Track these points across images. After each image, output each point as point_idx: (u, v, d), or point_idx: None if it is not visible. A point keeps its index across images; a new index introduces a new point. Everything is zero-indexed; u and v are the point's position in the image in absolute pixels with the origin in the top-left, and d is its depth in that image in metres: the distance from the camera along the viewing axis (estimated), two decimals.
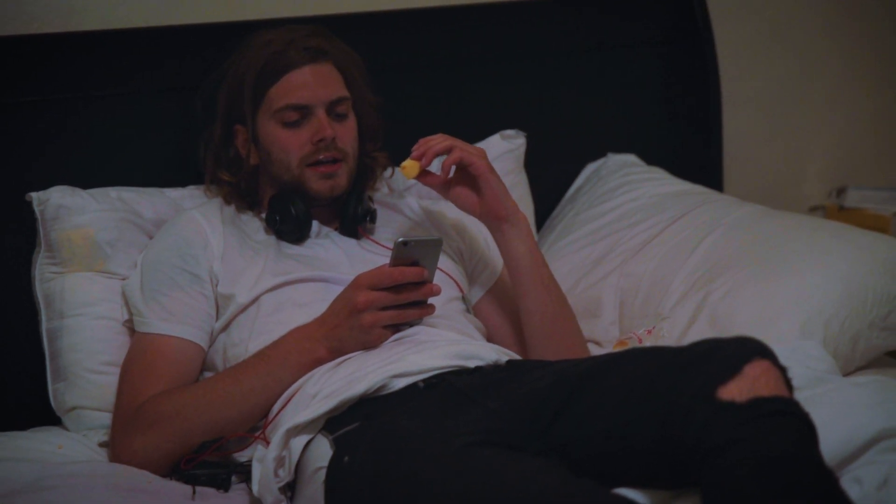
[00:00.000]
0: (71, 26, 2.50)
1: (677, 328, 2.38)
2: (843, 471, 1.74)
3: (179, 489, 2.04)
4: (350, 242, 2.33)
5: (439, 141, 2.21)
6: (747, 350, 1.68)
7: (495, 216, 2.25)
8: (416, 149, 2.21)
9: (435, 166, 2.25)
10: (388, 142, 2.43)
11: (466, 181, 2.25)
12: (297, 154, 2.28)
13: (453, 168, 2.26)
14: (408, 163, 2.20)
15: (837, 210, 3.32)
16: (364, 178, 2.41)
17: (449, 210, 2.50)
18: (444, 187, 2.26)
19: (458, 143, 2.22)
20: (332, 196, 2.30)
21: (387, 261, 2.07)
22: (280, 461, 1.96)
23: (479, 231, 2.46)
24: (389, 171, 2.47)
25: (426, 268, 2.06)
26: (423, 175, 2.24)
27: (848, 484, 1.71)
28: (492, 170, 2.23)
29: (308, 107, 2.28)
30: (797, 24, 3.34)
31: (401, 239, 2.02)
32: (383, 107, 2.42)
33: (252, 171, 2.36)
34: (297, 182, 2.29)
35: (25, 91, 2.41)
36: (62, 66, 2.45)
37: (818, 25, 3.36)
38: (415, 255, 2.05)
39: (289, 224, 2.29)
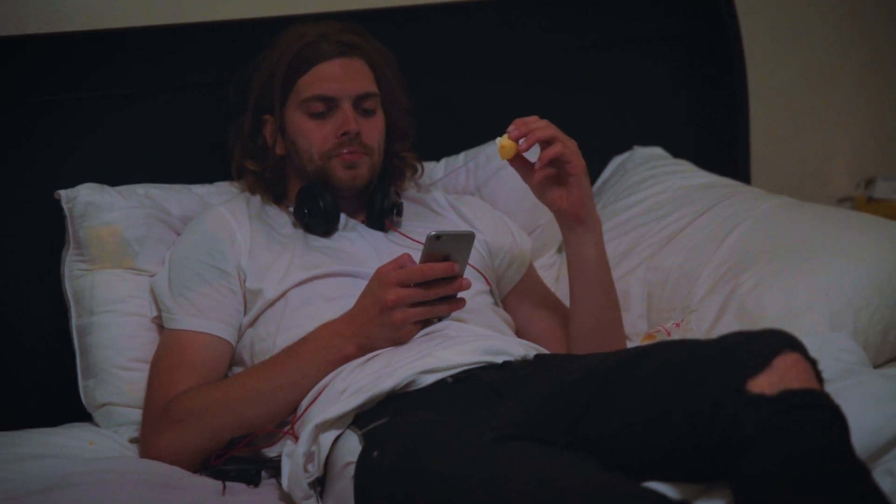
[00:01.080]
0: (100, 24, 2.51)
1: (705, 321, 2.37)
2: (875, 463, 1.73)
3: (210, 484, 2.05)
4: (377, 235, 2.33)
5: (543, 127, 2.13)
6: (777, 342, 1.67)
7: (575, 216, 2.19)
8: (516, 129, 2.13)
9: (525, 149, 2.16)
10: (417, 134, 2.44)
11: (556, 174, 2.18)
12: (320, 147, 2.29)
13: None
14: (506, 142, 2.12)
15: (866, 201, 3.31)
16: (391, 176, 2.41)
17: (476, 203, 2.50)
18: (530, 173, 2.19)
19: (561, 134, 2.14)
20: (354, 186, 2.30)
21: (415, 252, 2.06)
22: (309, 456, 1.97)
23: (506, 225, 2.46)
24: (418, 170, 2.46)
25: (457, 262, 2.05)
26: (516, 158, 2.17)
27: (881, 476, 1.69)
28: (585, 171, 2.17)
29: (335, 99, 2.29)
30: (822, 15, 3.32)
31: (433, 233, 2.02)
32: (416, 100, 2.42)
33: (278, 162, 2.36)
34: (321, 172, 2.30)
35: (54, 89, 2.42)
36: (91, 64, 2.46)
37: (843, 17, 3.35)
38: (446, 249, 2.04)
39: (317, 217, 2.29)
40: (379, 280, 2.07)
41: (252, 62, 2.38)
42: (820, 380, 1.68)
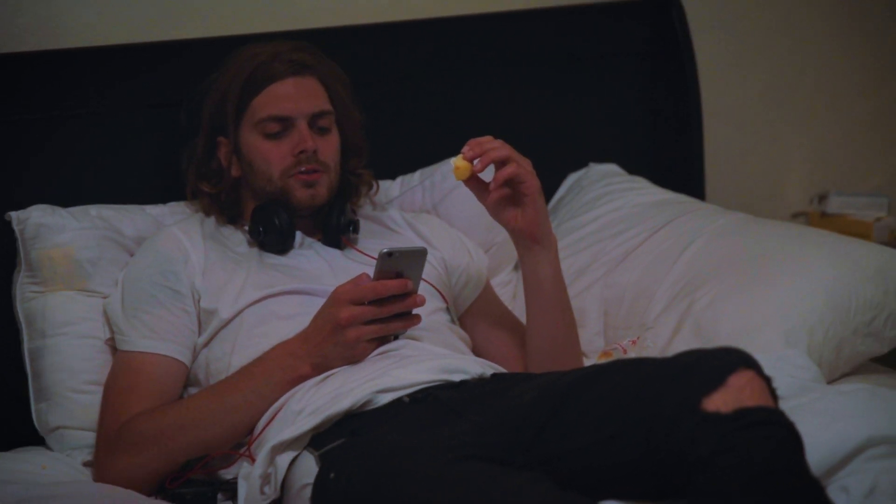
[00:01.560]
0: (50, 44, 2.49)
1: (662, 338, 2.38)
2: (830, 480, 1.74)
3: None
4: (333, 253, 2.33)
5: (497, 148, 2.13)
6: (731, 360, 1.68)
7: (530, 236, 2.19)
8: (470, 149, 2.13)
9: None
10: (372, 153, 2.43)
11: (511, 194, 2.17)
12: (278, 166, 2.28)
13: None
14: (461, 163, 2.12)
15: (819, 216, 3.33)
16: (347, 193, 2.41)
17: (432, 221, 2.50)
18: (485, 193, 2.18)
19: (515, 154, 2.14)
20: (313, 206, 2.30)
21: (370, 270, 2.06)
22: (266, 478, 1.96)
23: (463, 243, 2.46)
24: (374, 187, 2.46)
25: (410, 278, 2.05)
26: (471, 178, 2.16)
27: (835, 493, 1.70)
28: (540, 190, 2.17)
29: (290, 118, 2.28)
30: (775, 34, 3.35)
31: (385, 249, 2.01)
32: (370, 118, 2.42)
33: (234, 183, 2.36)
34: (280, 192, 2.29)
35: (4, 109, 2.40)
36: (39, 83, 2.43)
37: (796, 35, 3.38)
38: (399, 265, 2.04)
39: (272, 235, 2.29)
40: (333, 299, 2.07)
41: (204, 83, 2.37)
42: (775, 397, 1.69)
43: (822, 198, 3.36)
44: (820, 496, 1.59)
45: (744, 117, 3.33)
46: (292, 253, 2.31)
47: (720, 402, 1.64)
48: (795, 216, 3.39)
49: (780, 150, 3.40)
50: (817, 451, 1.70)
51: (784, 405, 1.69)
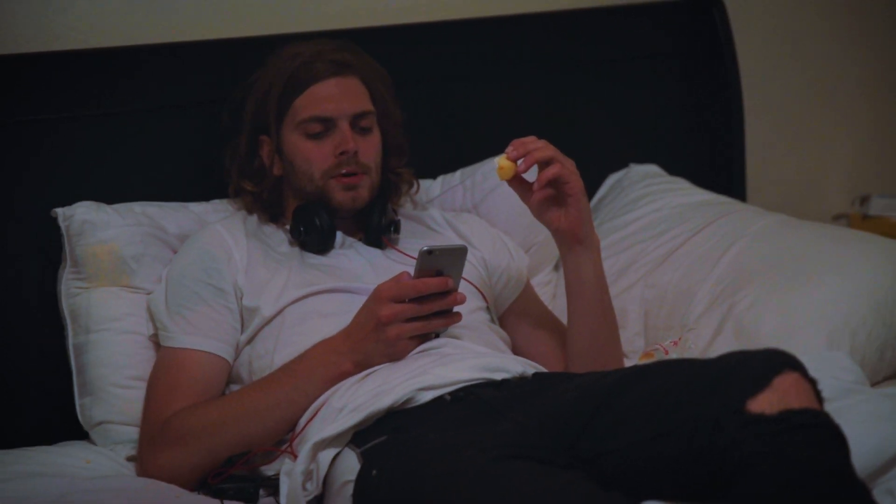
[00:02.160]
0: (97, 42, 2.51)
1: (703, 339, 2.37)
2: (875, 483, 1.74)
3: (207, 503, 2.05)
4: (374, 252, 2.33)
5: (541, 148, 2.13)
6: (776, 362, 1.67)
7: (574, 236, 2.19)
8: (514, 149, 2.13)
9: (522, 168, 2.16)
10: (413, 153, 2.44)
11: (554, 195, 2.18)
12: (319, 166, 2.29)
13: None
14: (504, 163, 2.12)
15: (861, 219, 3.31)
16: (388, 192, 2.41)
17: (472, 221, 2.50)
18: (528, 194, 2.18)
19: (559, 155, 2.14)
20: (354, 208, 2.31)
21: (411, 270, 2.07)
22: (308, 474, 1.96)
23: (503, 242, 2.46)
24: (414, 186, 2.47)
25: (451, 276, 2.06)
26: (515, 178, 2.16)
27: (881, 496, 1.70)
28: (584, 191, 2.17)
29: (332, 119, 2.29)
30: (817, 32, 3.34)
31: (425, 248, 2.02)
32: (411, 118, 2.42)
33: (276, 182, 2.37)
34: (321, 193, 2.30)
35: (51, 108, 2.42)
36: (87, 82, 2.46)
37: (838, 33, 3.36)
38: (439, 263, 2.04)
39: (313, 235, 2.29)
40: (374, 297, 2.07)
41: (246, 81, 2.38)
42: (820, 399, 1.68)
43: (864, 200, 3.34)
44: (866, 499, 1.58)
45: (785, 118, 3.32)
46: (333, 253, 2.32)
47: (765, 403, 1.63)
48: (837, 218, 3.38)
49: (822, 152, 3.39)
50: (863, 453, 1.70)
51: (828, 407, 1.68)
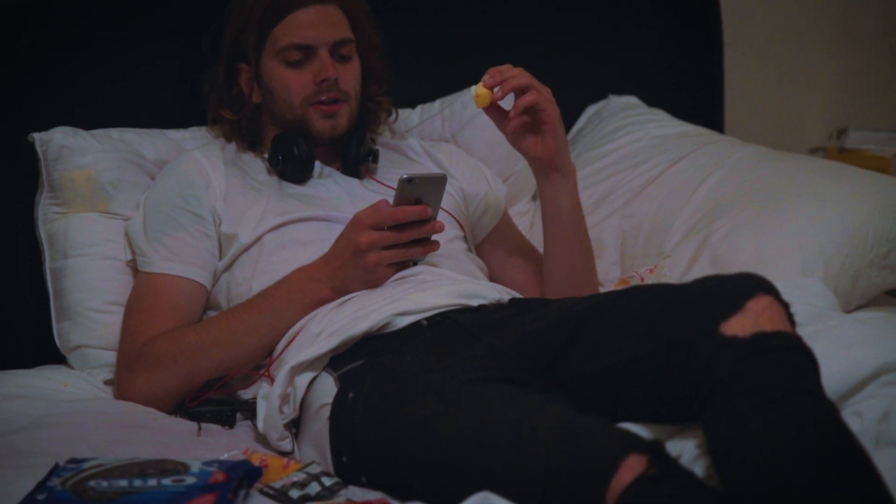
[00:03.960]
0: None
1: (679, 267, 2.38)
2: (844, 404, 1.75)
3: (185, 426, 2.06)
4: (352, 182, 2.33)
5: (517, 75, 2.13)
6: (750, 286, 1.69)
7: (550, 164, 2.20)
8: (490, 77, 2.13)
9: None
10: (392, 82, 2.43)
11: (530, 122, 2.18)
12: (299, 93, 2.28)
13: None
14: (481, 91, 2.12)
15: (838, 151, 3.32)
16: (366, 120, 2.41)
17: (451, 150, 2.50)
18: (505, 121, 2.18)
19: (535, 82, 2.14)
20: (334, 135, 2.30)
21: (389, 199, 2.07)
22: (285, 398, 1.98)
23: (482, 171, 2.46)
24: (393, 115, 2.47)
25: (430, 205, 2.06)
26: (491, 106, 2.17)
27: (849, 417, 1.71)
28: (560, 119, 2.18)
29: (311, 47, 2.28)
30: None
31: (405, 175, 2.02)
32: (390, 48, 2.41)
33: (254, 110, 2.36)
34: (300, 121, 2.29)
35: (26, 34, 2.40)
36: (62, 7, 2.44)
37: None
38: (418, 192, 2.05)
39: (291, 164, 2.29)
40: (352, 224, 2.08)
41: (225, 9, 2.36)
42: (792, 323, 1.69)
43: (841, 133, 3.35)
44: (834, 419, 1.60)
45: (764, 52, 3.32)
46: (311, 182, 2.32)
47: (738, 326, 1.65)
48: (814, 151, 3.38)
49: (801, 85, 3.39)
50: (833, 376, 1.71)
51: (801, 331, 1.69)
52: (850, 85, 3.44)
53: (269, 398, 1.99)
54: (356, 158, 2.33)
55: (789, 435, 1.56)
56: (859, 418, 1.72)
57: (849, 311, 2.30)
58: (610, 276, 2.52)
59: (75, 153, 2.35)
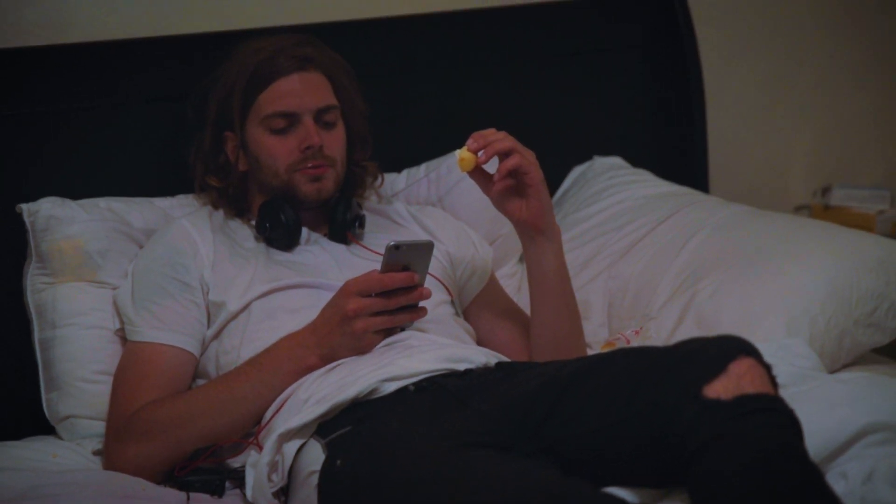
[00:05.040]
0: (58, 38, 2.52)
1: (665, 329, 2.39)
2: (828, 466, 1.76)
3: (173, 495, 2.05)
4: (339, 248, 2.34)
5: (500, 139, 2.14)
6: (732, 348, 1.70)
7: (535, 227, 2.21)
8: (474, 141, 2.14)
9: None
10: (377, 147, 2.45)
11: (514, 185, 2.19)
12: (284, 160, 2.30)
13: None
14: (465, 155, 2.14)
15: (822, 209, 3.35)
16: (353, 185, 2.43)
17: (437, 214, 2.51)
18: (490, 185, 2.19)
19: (519, 146, 2.16)
20: (320, 199, 2.31)
21: (376, 266, 2.08)
22: (273, 466, 1.98)
23: (468, 235, 2.47)
24: (378, 179, 2.48)
25: (417, 271, 2.07)
26: (476, 170, 2.17)
27: (834, 479, 1.72)
28: (543, 181, 2.19)
29: (296, 114, 2.30)
30: (779, 25, 3.36)
31: (392, 242, 2.03)
32: (375, 113, 2.43)
33: (241, 177, 2.37)
34: (286, 187, 2.30)
35: (13, 103, 2.42)
36: (49, 78, 2.46)
37: (798, 27, 3.39)
38: (406, 258, 2.06)
39: (278, 231, 2.30)
40: (341, 291, 2.09)
41: (209, 77, 2.38)
42: (775, 384, 1.71)
43: (826, 190, 3.38)
44: (819, 481, 1.61)
45: (746, 110, 3.34)
46: (298, 249, 2.33)
47: (721, 388, 1.66)
48: (799, 209, 3.40)
49: (783, 143, 3.42)
50: (817, 437, 1.72)
51: (784, 393, 1.71)
52: (833, 142, 3.47)
53: (257, 466, 1.99)
54: (343, 224, 2.34)
55: (774, 497, 1.57)
56: (844, 479, 1.73)
57: (835, 370, 2.32)
58: (598, 338, 2.53)
59: (63, 223, 2.36)
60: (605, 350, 2.32)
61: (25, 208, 2.37)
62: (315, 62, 2.33)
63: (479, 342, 2.34)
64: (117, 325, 2.31)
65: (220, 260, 2.28)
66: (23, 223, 2.36)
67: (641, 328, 2.40)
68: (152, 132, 2.52)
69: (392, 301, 2.07)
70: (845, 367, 2.38)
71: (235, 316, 2.23)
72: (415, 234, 2.42)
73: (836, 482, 1.71)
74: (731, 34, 3.27)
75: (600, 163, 2.91)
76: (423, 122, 2.78)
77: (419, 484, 1.75)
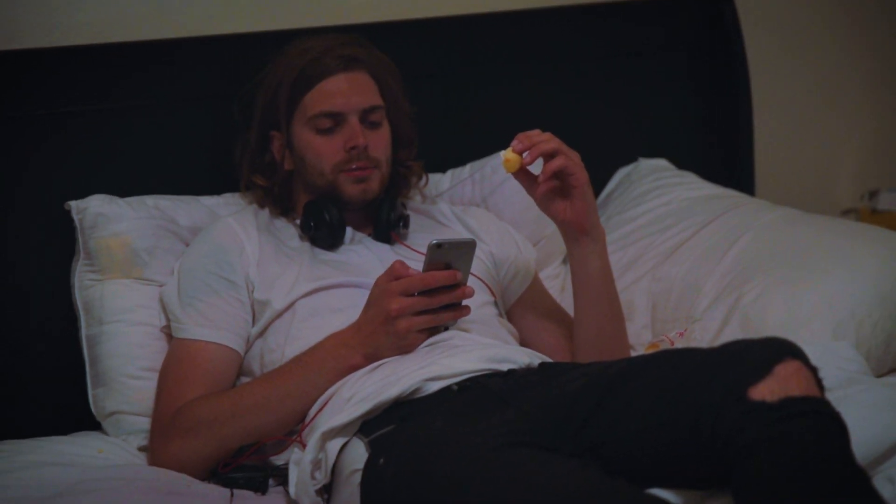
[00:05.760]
0: (107, 38, 2.54)
1: (709, 331, 2.38)
2: (875, 470, 1.75)
3: (218, 492, 2.07)
4: (383, 248, 2.35)
5: (546, 140, 2.15)
6: (778, 350, 1.69)
7: (579, 228, 2.21)
8: (519, 142, 2.14)
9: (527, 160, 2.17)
10: (423, 147, 2.46)
11: (559, 187, 2.19)
12: (329, 160, 2.31)
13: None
14: (510, 156, 2.14)
15: (870, 213, 3.32)
16: (398, 185, 2.43)
17: (481, 215, 2.52)
18: (534, 186, 2.20)
19: (564, 147, 2.16)
20: (365, 200, 2.32)
21: (420, 266, 2.08)
22: (317, 464, 1.99)
23: (511, 236, 2.48)
24: (423, 179, 2.49)
25: (459, 270, 2.07)
26: (520, 171, 2.18)
27: (880, 483, 1.71)
28: (588, 183, 2.19)
29: (341, 114, 2.31)
30: (827, 27, 3.34)
31: (434, 241, 2.04)
32: (420, 113, 2.44)
33: (286, 177, 2.38)
34: (331, 187, 2.31)
35: (64, 102, 2.45)
36: (100, 77, 2.48)
37: (848, 28, 3.37)
38: (448, 257, 2.06)
39: (323, 230, 2.31)
40: (382, 290, 2.09)
41: (257, 77, 2.40)
42: (821, 387, 1.69)
43: (873, 194, 3.35)
44: (866, 485, 1.59)
45: (794, 112, 3.33)
46: (343, 248, 2.34)
47: (766, 391, 1.65)
48: (846, 213, 3.38)
49: (831, 146, 3.40)
50: (863, 441, 1.71)
51: (830, 396, 1.69)
52: (882, 145, 3.45)
53: (300, 464, 2.00)
54: (387, 224, 2.35)
55: (819, 502, 1.55)
56: (891, 484, 1.72)
57: (881, 375, 2.30)
58: (641, 340, 2.52)
59: (111, 221, 2.38)
60: (650, 352, 2.31)
61: (74, 205, 2.39)
62: (361, 62, 2.34)
63: (523, 343, 2.34)
64: (163, 322, 2.32)
65: (265, 258, 2.29)
66: (71, 220, 2.39)
67: (686, 330, 2.39)
68: (200, 131, 2.54)
69: (435, 300, 2.08)
70: (892, 371, 2.36)
71: (280, 314, 2.24)
72: (458, 233, 2.43)
73: (883, 486, 1.70)
74: (781, 35, 3.26)
75: (645, 165, 2.90)
76: (468, 123, 2.78)
77: (462, 483, 1.76)
